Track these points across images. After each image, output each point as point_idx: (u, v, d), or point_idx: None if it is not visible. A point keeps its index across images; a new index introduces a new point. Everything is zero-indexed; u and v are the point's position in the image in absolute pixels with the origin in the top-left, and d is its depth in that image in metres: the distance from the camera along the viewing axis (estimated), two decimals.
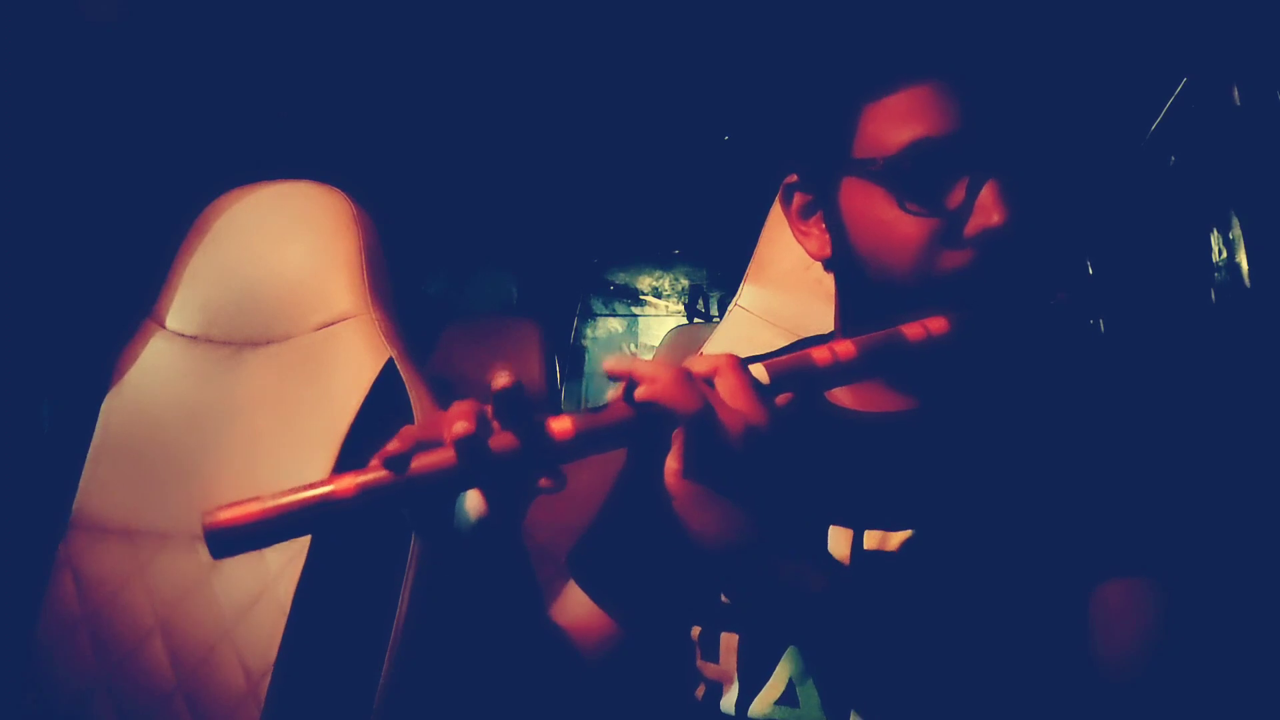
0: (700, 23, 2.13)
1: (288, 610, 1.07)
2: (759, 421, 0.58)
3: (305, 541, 1.10)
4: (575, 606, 0.84)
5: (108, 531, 1.16)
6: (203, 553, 1.12)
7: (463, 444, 0.54)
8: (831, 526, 0.74)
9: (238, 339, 1.25)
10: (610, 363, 0.60)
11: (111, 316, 1.32)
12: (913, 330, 0.65)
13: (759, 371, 0.61)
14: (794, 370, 0.63)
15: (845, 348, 0.64)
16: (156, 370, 1.24)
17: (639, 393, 0.58)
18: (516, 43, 2.19)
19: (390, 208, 1.47)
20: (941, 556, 0.69)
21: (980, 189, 0.67)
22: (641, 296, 4.99)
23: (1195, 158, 1.55)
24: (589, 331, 5.09)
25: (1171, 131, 1.62)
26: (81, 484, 1.18)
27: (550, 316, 3.25)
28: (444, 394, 1.22)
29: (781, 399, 0.62)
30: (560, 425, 0.57)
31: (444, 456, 0.56)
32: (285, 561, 1.09)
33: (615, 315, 5.15)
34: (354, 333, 1.21)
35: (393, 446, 0.55)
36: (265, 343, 1.23)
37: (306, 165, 1.38)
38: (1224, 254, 1.45)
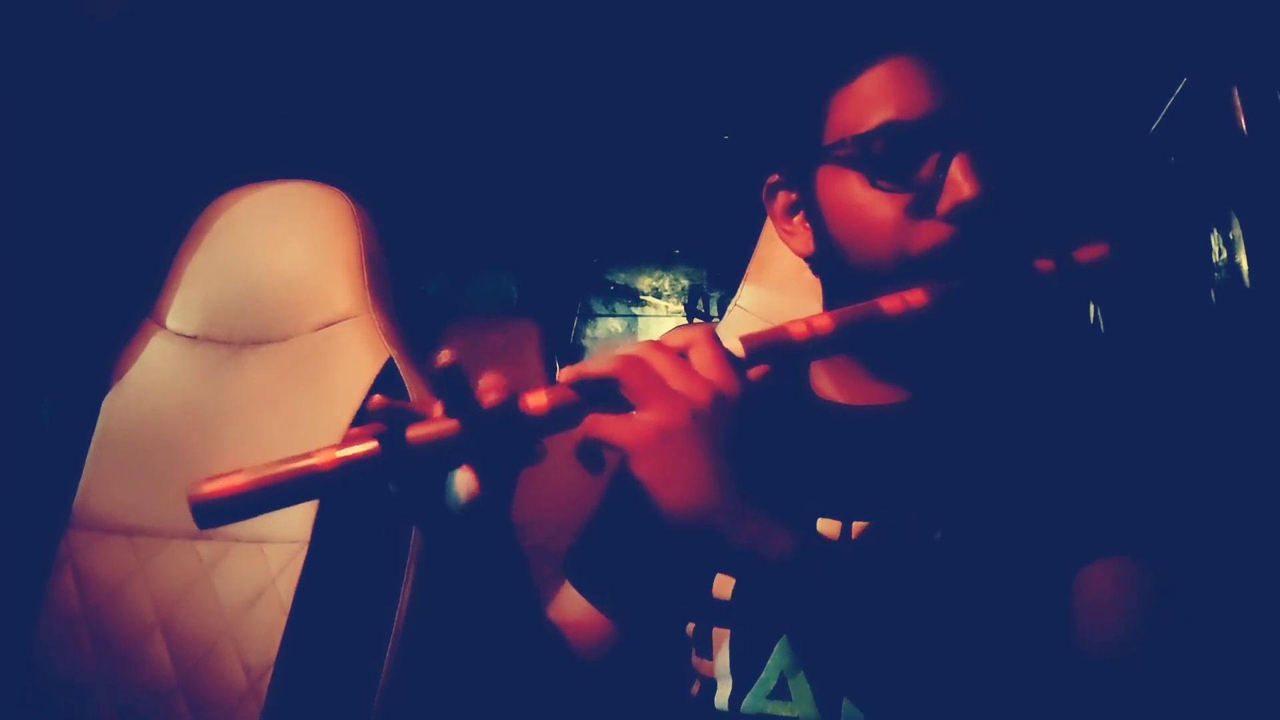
0: (699, 22, 2.13)
1: (288, 608, 1.07)
2: (729, 391, 0.59)
3: (305, 540, 1.10)
4: (571, 606, 0.84)
5: (108, 530, 1.16)
6: (203, 551, 1.13)
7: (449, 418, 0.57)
8: (819, 519, 0.74)
9: (238, 339, 1.25)
10: (563, 374, 0.61)
11: (112, 316, 1.32)
12: (890, 303, 0.65)
13: (734, 344, 0.62)
14: (770, 344, 0.63)
15: (822, 321, 0.64)
16: (157, 370, 1.24)
17: (594, 370, 0.60)
18: (516, 43, 2.19)
19: (390, 208, 1.47)
20: (929, 547, 0.69)
21: (950, 163, 0.67)
22: (641, 296, 4.99)
23: (1195, 158, 1.55)
24: (589, 331, 5.09)
25: (1171, 131, 1.62)
26: (82, 483, 1.19)
27: (550, 316, 3.25)
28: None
29: (756, 371, 0.62)
30: (536, 400, 0.59)
31: (426, 431, 0.57)
32: (286, 559, 1.10)
33: (615, 315, 5.15)
34: (354, 333, 1.21)
35: (376, 421, 0.57)
36: (265, 342, 1.24)
37: (306, 165, 1.38)
38: (1224, 254, 1.46)
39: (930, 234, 0.68)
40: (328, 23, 1.94)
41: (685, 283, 4.80)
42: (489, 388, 0.58)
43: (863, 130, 0.69)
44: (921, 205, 0.68)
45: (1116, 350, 0.78)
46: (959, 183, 0.66)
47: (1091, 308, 1.98)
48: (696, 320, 4.70)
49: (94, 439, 1.21)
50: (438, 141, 2.67)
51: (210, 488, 0.56)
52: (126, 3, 1.51)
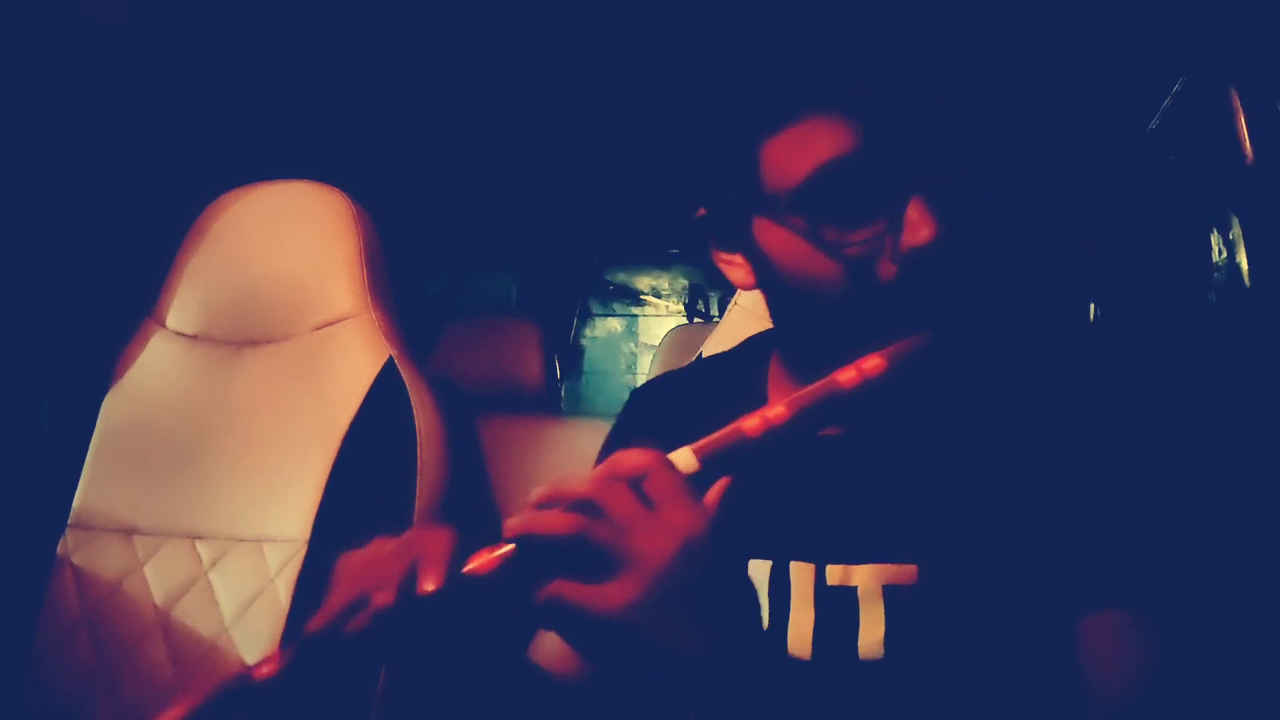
0: (699, 22, 2.13)
1: (286, 609, 1.07)
2: (694, 533, 0.54)
3: (305, 539, 1.10)
4: (552, 648, 0.78)
5: (107, 530, 1.16)
6: (202, 550, 1.13)
7: (381, 618, 0.53)
8: (792, 562, 0.70)
9: (238, 339, 1.25)
10: (510, 525, 0.56)
11: (112, 316, 1.32)
12: (846, 376, 0.60)
13: (686, 459, 0.57)
14: (726, 450, 0.58)
15: (777, 412, 0.59)
16: (157, 369, 1.25)
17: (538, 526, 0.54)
18: (516, 43, 2.19)
19: (390, 208, 1.47)
20: (912, 590, 0.65)
21: (901, 207, 0.62)
22: (641, 296, 4.99)
23: (1195, 158, 1.55)
24: (588, 331, 5.09)
25: (1170, 131, 1.63)
26: (81, 483, 1.19)
27: (550, 316, 3.25)
28: (444, 394, 1.23)
29: (716, 491, 0.58)
30: (480, 562, 0.55)
31: (363, 622, 0.54)
32: (285, 559, 1.10)
33: (615, 315, 5.16)
34: (354, 332, 1.21)
35: (313, 624, 0.54)
36: (265, 342, 1.24)
37: (306, 165, 1.38)
38: (1224, 254, 1.46)
39: (884, 278, 0.63)
40: (328, 23, 1.94)
41: (684, 282, 4.80)
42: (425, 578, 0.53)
43: (796, 177, 0.64)
44: (871, 253, 0.63)
45: (1116, 358, 0.74)
46: (915, 225, 0.61)
47: (1091, 308, 1.98)
48: (697, 320, 4.70)
49: (94, 438, 1.21)
50: (438, 141, 2.67)
51: None
52: (126, 6, 1.51)
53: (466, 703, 0.69)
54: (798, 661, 0.68)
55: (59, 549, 1.15)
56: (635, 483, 0.55)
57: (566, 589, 0.53)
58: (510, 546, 0.55)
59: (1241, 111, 1.33)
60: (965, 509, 0.66)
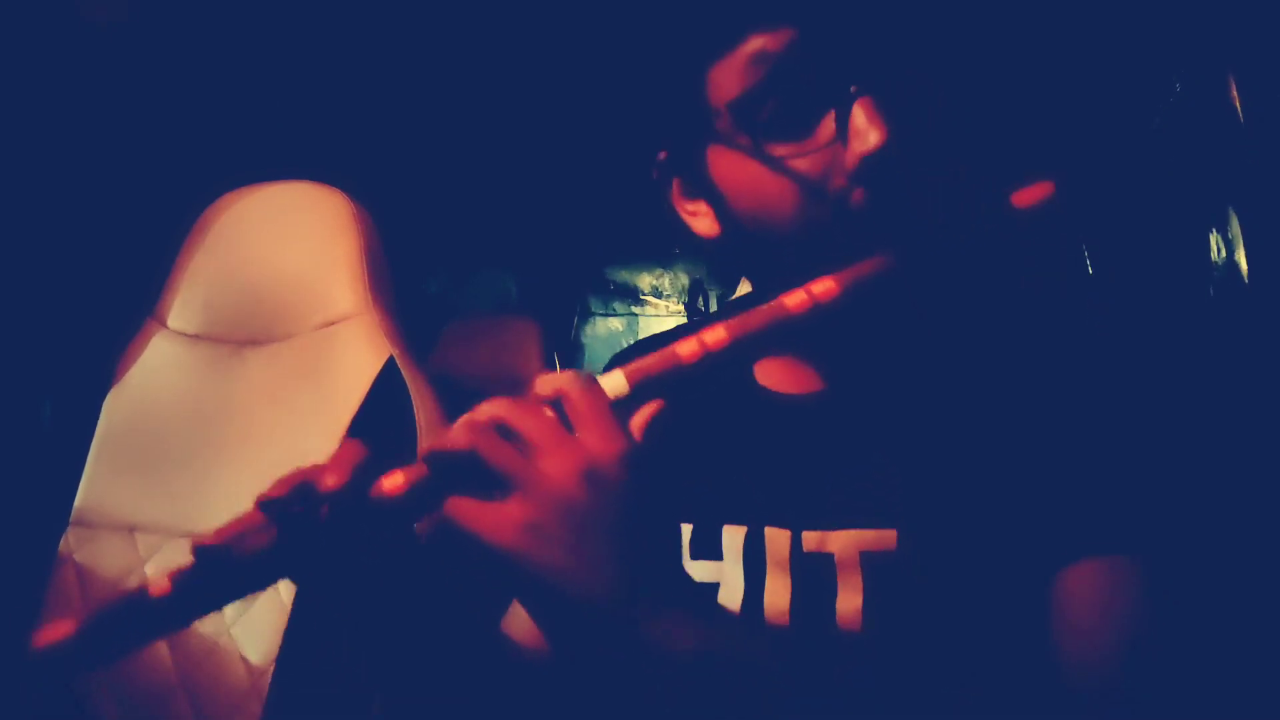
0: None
1: (289, 606, 1.07)
2: (609, 456, 0.50)
3: None
4: (521, 623, 0.76)
5: (109, 528, 1.16)
6: None
7: (279, 520, 0.51)
8: (767, 528, 0.67)
9: (239, 338, 1.25)
10: (422, 447, 0.52)
11: (114, 316, 1.33)
12: (795, 299, 0.55)
13: (616, 381, 0.54)
14: (658, 374, 0.54)
15: (715, 335, 0.55)
16: (158, 369, 1.25)
17: (444, 443, 0.50)
18: (516, 42, 2.19)
19: (390, 208, 1.47)
20: (890, 556, 0.63)
21: (848, 112, 0.58)
22: (641, 296, 4.99)
23: (1195, 158, 1.55)
24: (588, 330, 5.09)
25: (1171, 128, 1.63)
26: (83, 481, 1.19)
27: (550, 315, 3.25)
28: (444, 392, 1.23)
29: (645, 413, 0.54)
30: (391, 482, 0.51)
31: (262, 540, 0.52)
32: None
33: (615, 315, 5.15)
34: (354, 332, 1.21)
35: (210, 539, 0.52)
36: (266, 342, 1.24)
37: (306, 165, 1.39)
38: (1223, 253, 1.46)
39: (835, 198, 0.59)
40: (328, 23, 1.94)
41: (685, 281, 4.80)
42: (332, 474, 0.51)
43: (736, 86, 0.61)
44: (823, 166, 0.59)
45: (1108, 341, 0.68)
46: (862, 131, 0.57)
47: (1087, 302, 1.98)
48: (697, 319, 4.70)
49: (95, 437, 1.21)
50: (438, 141, 2.67)
51: (42, 638, 0.52)
52: (126, 6, 1.51)
53: (440, 679, 0.66)
54: (775, 629, 0.66)
55: (61, 547, 1.15)
56: (558, 404, 0.52)
57: (459, 507, 0.50)
58: (422, 468, 0.51)
59: (1241, 111, 1.34)
60: (946, 473, 0.63)
